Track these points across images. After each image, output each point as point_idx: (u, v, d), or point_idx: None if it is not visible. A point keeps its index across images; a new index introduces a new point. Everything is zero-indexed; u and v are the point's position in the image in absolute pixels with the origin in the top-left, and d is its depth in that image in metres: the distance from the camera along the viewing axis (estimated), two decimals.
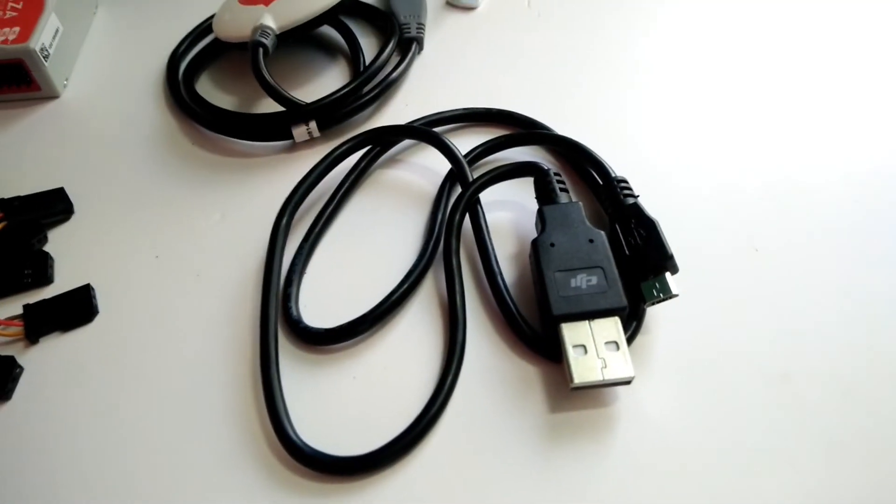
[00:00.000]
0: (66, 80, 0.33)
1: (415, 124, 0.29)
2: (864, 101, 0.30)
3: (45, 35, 0.31)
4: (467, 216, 0.26)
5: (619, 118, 0.30)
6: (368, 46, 0.34)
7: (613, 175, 0.26)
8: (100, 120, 0.32)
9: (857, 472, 0.21)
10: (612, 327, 0.22)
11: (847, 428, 0.21)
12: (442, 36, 0.34)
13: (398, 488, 0.21)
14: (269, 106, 0.30)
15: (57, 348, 0.24)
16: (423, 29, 0.34)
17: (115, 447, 0.22)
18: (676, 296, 0.22)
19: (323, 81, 0.33)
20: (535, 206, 0.25)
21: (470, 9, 0.36)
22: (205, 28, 0.35)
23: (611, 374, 0.21)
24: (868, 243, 0.25)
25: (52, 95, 0.33)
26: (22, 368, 0.24)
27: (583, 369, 0.21)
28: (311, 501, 0.21)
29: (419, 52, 0.34)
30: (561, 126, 0.29)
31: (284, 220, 0.26)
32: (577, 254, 0.23)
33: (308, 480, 0.21)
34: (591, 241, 0.23)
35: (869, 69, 0.32)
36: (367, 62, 0.32)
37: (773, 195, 0.27)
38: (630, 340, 0.23)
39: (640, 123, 0.30)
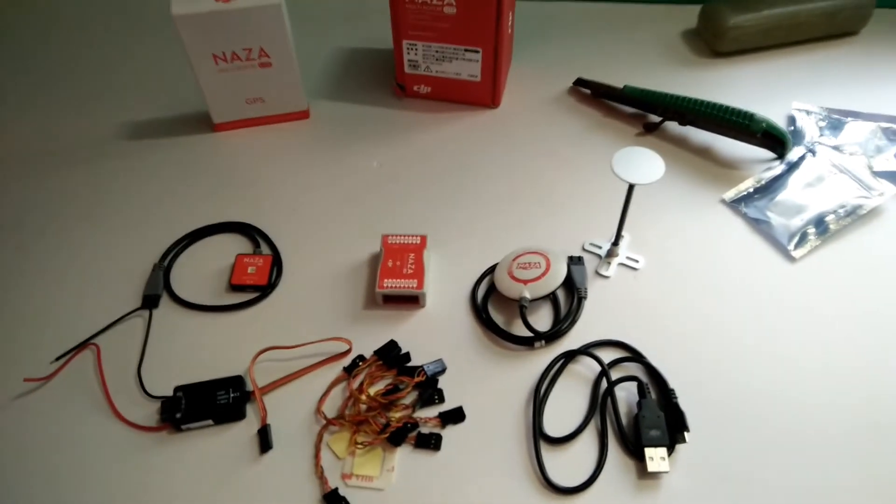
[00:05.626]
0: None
1: (585, 347, 0.69)
2: None
3: (425, 284, 0.72)
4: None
5: (693, 355, 0.69)
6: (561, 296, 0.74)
7: (670, 387, 0.65)
8: (438, 321, 0.72)
9: None
10: (664, 451, 0.61)
11: None
12: (593, 290, 0.74)
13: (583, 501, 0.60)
14: (520, 327, 0.70)
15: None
16: (587, 290, 0.74)
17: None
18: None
19: (541, 315, 0.73)
20: (634, 388, 0.65)
21: (606, 277, 0.76)
22: (488, 271, 0.75)
23: (661, 468, 0.60)
24: None
25: (423, 307, 0.73)
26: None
27: (651, 465, 0.61)
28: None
29: (584, 303, 0.73)
30: (651, 353, 0.68)
31: (542, 386, 0.66)
32: (653, 421, 0.62)
33: (549, 493, 0.61)
34: (658, 416, 0.63)
35: None
36: (564, 312, 0.72)
37: None
38: (670, 455, 0.62)
39: (699, 352, 0.69)
